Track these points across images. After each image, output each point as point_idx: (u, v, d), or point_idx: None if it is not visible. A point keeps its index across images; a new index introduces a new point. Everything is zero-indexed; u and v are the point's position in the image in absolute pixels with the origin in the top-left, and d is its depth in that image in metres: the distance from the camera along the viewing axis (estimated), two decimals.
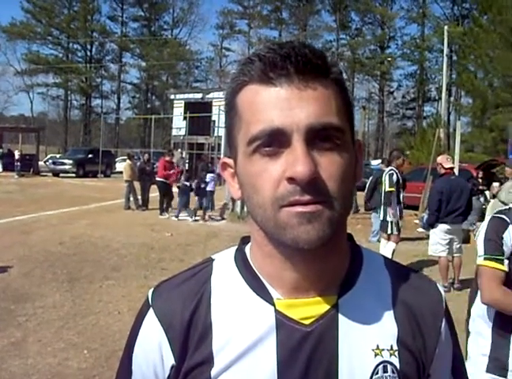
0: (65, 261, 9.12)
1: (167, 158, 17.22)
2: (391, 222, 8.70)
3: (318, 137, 0.80)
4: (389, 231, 8.77)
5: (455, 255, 8.28)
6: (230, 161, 0.92)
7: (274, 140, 0.80)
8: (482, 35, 29.68)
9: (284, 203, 0.79)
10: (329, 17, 66.32)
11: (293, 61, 0.80)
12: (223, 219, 15.54)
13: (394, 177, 8.70)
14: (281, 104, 0.80)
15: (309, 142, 0.79)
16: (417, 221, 14.17)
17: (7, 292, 7.20)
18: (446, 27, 33.02)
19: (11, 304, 6.69)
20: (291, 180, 0.78)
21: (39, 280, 7.86)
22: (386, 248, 8.50)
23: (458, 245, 8.32)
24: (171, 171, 16.43)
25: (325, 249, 0.84)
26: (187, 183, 15.71)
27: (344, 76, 0.91)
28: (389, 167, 9.03)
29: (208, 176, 17.01)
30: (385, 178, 8.73)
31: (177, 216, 15.42)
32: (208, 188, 17.07)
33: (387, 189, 8.66)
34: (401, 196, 9.04)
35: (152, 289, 0.97)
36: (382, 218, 8.90)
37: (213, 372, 0.86)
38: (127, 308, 6.65)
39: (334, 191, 0.80)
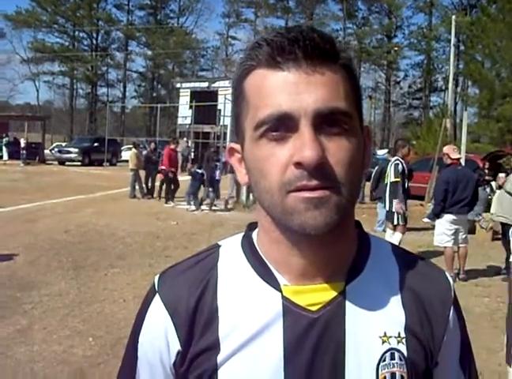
0: (71, 249, 9.15)
1: (172, 146, 17.23)
2: (397, 212, 8.67)
3: (325, 122, 0.79)
4: (395, 222, 8.73)
5: (461, 245, 8.26)
6: (237, 146, 0.91)
7: (282, 125, 0.79)
8: (490, 25, 29.47)
9: (292, 188, 0.79)
10: (336, 6, 66.15)
11: (301, 46, 0.80)
12: (228, 210, 15.43)
13: (400, 167, 8.65)
14: (289, 89, 0.79)
15: (316, 127, 0.79)
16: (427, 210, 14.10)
17: (13, 280, 7.24)
18: (453, 16, 32.72)
19: (17, 292, 6.72)
20: (298, 165, 0.78)
21: (45, 268, 7.90)
22: (393, 238, 8.46)
23: (464, 236, 8.29)
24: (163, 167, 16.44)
25: (333, 235, 0.83)
26: (200, 171, 15.58)
27: None
28: (395, 157, 8.96)
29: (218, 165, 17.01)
30: (391, 169, 8.67)
31: (189, 203, 15.33)
32: (217, 177, 17.06)
33: (392, 179, 8.61)
34: (406, 186, 8.97)
35: (158, 275, 0.97)
36: (387, 208, 8.84)
37: (219, 358, 0.86)
38: (132, 296, 6.68)
39: (342, 177, 0.80)
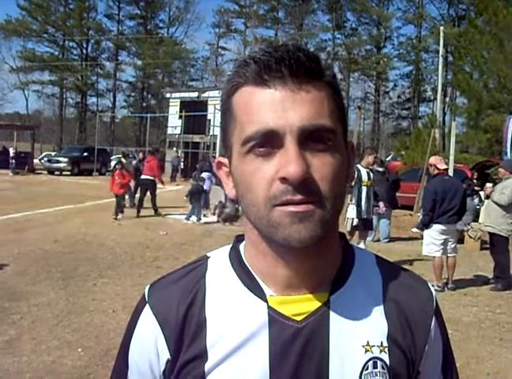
0: (60, 259, 9.11)
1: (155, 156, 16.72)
2: (352, 219, 8.75)
3: (310, 139, 0.82)
4: (348, 228, 8.80)
5: (449, 255, 8.27)
6: (225, 160, 0.94)
7: (268, 141, 0.82)
8: (477, 37, 29.74)
9: (277, 202, 0.81)
10: (325, 17, 66.46)
11: (287, 64, 0.82)
12: (220, 221, 15.28)
13: (356, 173, 8.71)
14: (275, 106, 0.82)
15: (302, 143, 0.81)
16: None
17: (1, 290, 7.19)
18: (441, 28, 33.01)
19: (5, 302, 6.68)
20: (283, 180, 0.80)
21: (34, 278, 7.85)
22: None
23: (453, 245, 8.30)
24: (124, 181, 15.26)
25: (317, 247, 0.86)
26: (201, 184, 15.63)
27: (340, 76, 0.95)
28: (357, 165, 8.99)
29: (205, 175, 16.97)
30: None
31: (199, 218, 15.09)
32: (204, 187, 17.04)
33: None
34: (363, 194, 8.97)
35: (148, 286, 0.99)
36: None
37: (207, 366, 0.88)
38: (122, 306, 6.65)
39: (326, 191, 0.82)
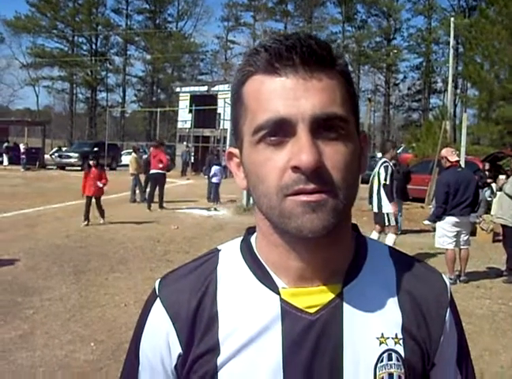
0: (72, 254, 9.15)
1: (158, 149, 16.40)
2: (387, 213, 8.69)
3: (322, 127, 0.81)
4: (386, 223, 8.75)
5: (462, 247, 8.21)
6: (236, 151, 0.92)
7: (279, 130, 0.81)
8: (488, 27, 29.49)
9: (289, 192, 0.80)
10: (335, 9, 66.41)
11: (298, 52, 0.81)
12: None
13: (389, 169, 8.68)
14: (287, 94, 0.80)
15: (314, 132, 0.80)
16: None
17: (14, 285, 7.24)
18: (452, 19, 32.84)
19: (18, 297, 6.72)
20: (295, 169, 0.79)
21: (46, 273, 7.90)
22: (387, 240, 8.44)
23: (466, 238, 8.23)
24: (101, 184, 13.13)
25: (330, 238, 0.84)
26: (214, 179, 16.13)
27: (350, 68, 0.91)
28: (383, 159, 9.04)
29: (214, 168, 17.00)
30: (381, 170, 8.73)
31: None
32: (214, 180, 17.09)
33: (383, 181, 8.66)
34: (394, 188, 8.97)
35: (159, 279, 0.98)
36: (376, 210, 8.86)
37: (219, 360, 0.87)
38: (133, 300, 6.68)
39: (339, 180, 0.81)
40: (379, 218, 8.86)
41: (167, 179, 16.45)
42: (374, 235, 8.69)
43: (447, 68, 42.20)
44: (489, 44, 29.75)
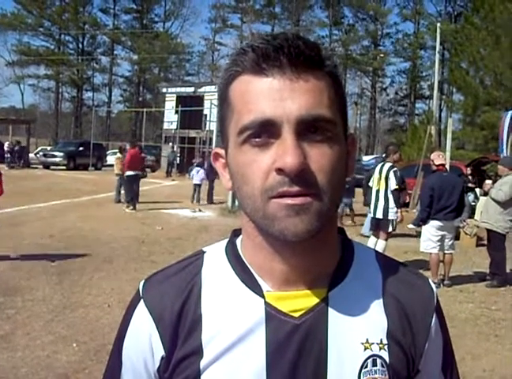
0: (55, 254, 9.08)
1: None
2: (392, 220, 8.65)
3: (308, 129, 0.80)
4: (389, 229, 8.71)
5: (446, 252, 8.23)
6: (222, 151, 0.91)
7: (264, 131, 0.80)
8: (474, 33, 29.79)
9: (273, 194, 0.79)
10: (322, 13, 66.50)
11: (286, 53, 0.80)
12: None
13: (399, 173, 8.62)
14: (273, 95, 0.79)
15: (299, 134, 0.79)
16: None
17: None
18: (438, 24, 33.07)
19: (0, 296, 6.65)
20: (280, 171, 0.78)
21: (29, 273, 7.82)
22: (377, 246, 8.43)
23: (450, 242, 8.26)
24: None
25: (314, 241, 0.84)
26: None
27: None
28: (389, 163, 8.79)
29: (195, 169, 17.01)
30: (390, 175, 8.58)
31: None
32: (195, 181, 17.11)
33: (393, 187, 8.54)
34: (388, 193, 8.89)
35: (142, 281, 0.97)
36: (381, 216, 8.68)
37: (202, 363, 0.86)
38: (117, 301, 6.64)
39: (323, 183, 0.80)
40: (383, 224, 8.73)
41: (152, 180, 16.37)
42: (381, 244, 8.65)
43: (433, 73, 42.45)
44: (474, 50, 30.05)
